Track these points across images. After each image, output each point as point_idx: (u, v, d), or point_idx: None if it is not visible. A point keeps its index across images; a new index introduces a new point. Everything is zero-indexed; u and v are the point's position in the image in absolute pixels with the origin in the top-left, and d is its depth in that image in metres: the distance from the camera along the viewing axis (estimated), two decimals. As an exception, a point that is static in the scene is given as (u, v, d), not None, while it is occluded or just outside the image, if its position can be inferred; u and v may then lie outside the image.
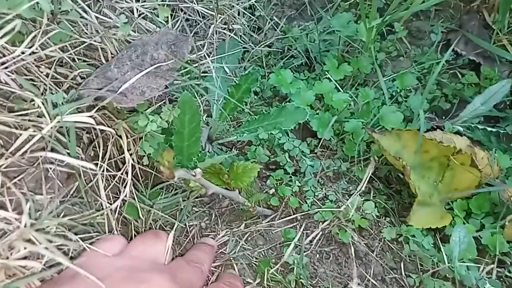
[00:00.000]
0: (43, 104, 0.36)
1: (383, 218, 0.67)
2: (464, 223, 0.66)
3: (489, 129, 0.81)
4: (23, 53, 0.38)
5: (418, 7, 0.79)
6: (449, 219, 0.66)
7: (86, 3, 0.46)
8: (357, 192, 0.66)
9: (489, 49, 0.87)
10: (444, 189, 0.69)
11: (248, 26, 0.87)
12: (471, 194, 0.68)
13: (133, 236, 0.50)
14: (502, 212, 0.63)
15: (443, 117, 0.85)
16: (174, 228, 0.51)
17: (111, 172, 0.45)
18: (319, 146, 0.76)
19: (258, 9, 0.92)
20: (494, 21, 0.91)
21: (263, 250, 0.62)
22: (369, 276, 0.61)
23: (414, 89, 0.85)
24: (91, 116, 0.38)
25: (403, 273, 0.61)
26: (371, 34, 0.80)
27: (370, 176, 0.71)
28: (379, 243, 0.64)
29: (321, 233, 0.64)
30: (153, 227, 0.54)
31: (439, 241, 0.65)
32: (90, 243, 0.43)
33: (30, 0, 0.37)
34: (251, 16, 0.92)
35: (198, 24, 0.63)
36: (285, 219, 0.66)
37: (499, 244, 0.62)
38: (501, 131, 0.80)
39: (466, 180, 0.67)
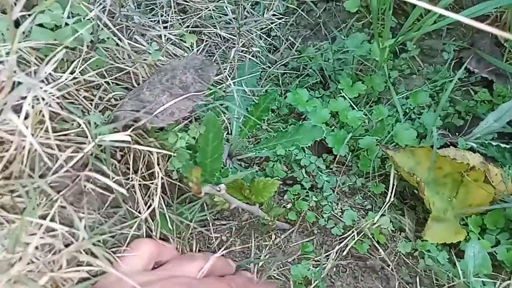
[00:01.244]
0: (85, 124, 0.40)
1: (398, 233, 0.69)
2: (479, 239, 0.67)
3: (503, 145, 0.82)
4: (66, 78, 0.42)
5: (430, 27, 0.81)
6: (463, 234, 0.67)
7: (119, 30, 0.50)
8: (382, 208, 0.67)
9: (501, 67, 0.89)
10: (458, 205, 0.70)
11: (265, 46, 0.91)
12: (486, 210, 0.69)
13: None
14: (517, 228, 0.64)
15: (456, 134, 0.86)
16: (218, 254, 0.52)
17: (142, 182, 0.48)
18: (335, 162, 0.78)
19: (274, 29, 0.96)
20: (506, 39, 0.93)
21: (281, 263, 0.64)
22: (385, 290, 0.62)
23: (427, 106, 0.87)
24: (128, 135, 0.41)
25: (418, 287, 0.63)
26: (384, 54, 0.82)
27: (385, 192, 0.73)
28: (395, 258, 0.66)
29: (338, 247, 0.66)
30: (180, 239, 0.57)
31: (454, 256, 0.66)
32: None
33: (74, 31, 0.41)
34: (267, 37, 0.96)
35: (221, 47, 0.67)
36: (302, 233, 0.69)
37: (515, 259, 0.63)
38: (515, 148, 0.81)
39: (480, 196, 0.69)
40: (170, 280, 0.44)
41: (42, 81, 0.39)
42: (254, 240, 0.66)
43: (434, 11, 0.80)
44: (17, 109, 0.36)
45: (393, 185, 0.71)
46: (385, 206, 0.67)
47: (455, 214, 0.70)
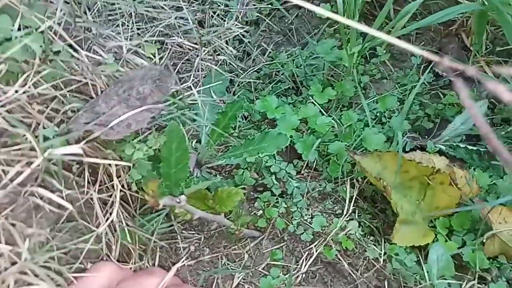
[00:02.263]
0: (34, 138, 0.39)
1: (368, 236, 0.70)
2: (446, 241, 0.68)
3: (470, 147, 0.84)
4: (16, 91, 0.41)
5: (399, 32, 0.83)
6: (432, 236, 0.68)
7: (77, 42, 0.50)
8: (344, 216, 0.68)
9: (467, 71, 0.91)
10: (426, 208, 0.71)
11: (237, 52, 0.91)
12: (453, 212, 0.70)
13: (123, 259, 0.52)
14: (481, 229, 0.66)
15: (426, 137, 0.88)
16: (175, 268, 0.51)
17: (100, 195, 0.47)
18: (306, 167, 0.78)
19: (247, 36, 0.96)
20: (472, 43, 0.96)
21: (251, 271, 0.64)
22: (354, 294, 0.62)
23: (397, 110, 0.88)
24: (80, 148, 0.40)
25: (387, 291, 0.63)
26: (352, 59, 0.83)
27: (356, 196, 0.73)
28: (364, 262, 0.66)
29: (307, 253, 0.66)
30: (144, 251, 0.56)
31: (423, 259, 0.66)
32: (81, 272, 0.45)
33: (24, 44, 0.40)
34: (240, 43, 0.96)
35: (185, 57, 0.67)
36: (273, 240, 0.69)
37: (479, 260, 0.64)
38: (482, 150, 0.83)
39: (446, 198, 0.70)
40: None
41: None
42: (224, 249, 0.65)
43: (399, 16, 0.82)
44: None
45: (360, 189, 0.71)
46: (348, 211, 0.68)
47: (423, 217, 0.71)
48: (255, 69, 0.94)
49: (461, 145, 0.84)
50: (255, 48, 0.98)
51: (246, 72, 0.92)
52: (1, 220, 0.38)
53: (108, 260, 0.48)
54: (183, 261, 0.56)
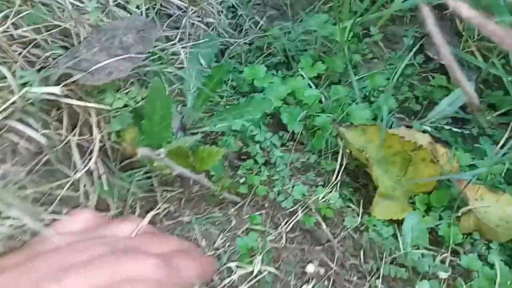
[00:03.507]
0: (12, 77, 0.39)
1: (347, 208, 0.70)
2: (423, 216, 0.69)
3: (455, 129, 0.85)
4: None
5: (389, 10, 0.83)
6: (410, 211, 0.69)
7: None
8: (330, 185, 0.68)
9: (458, 55, 0.91)
10: (406, 183, 0.72)
11: (228, 23, 0.91)
12: (432, 189, 0.71)
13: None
14: (457, 205, 0.67)
15: (413, 118, 0.89)
16: (150, 215, 0.51)
17: (78, 139, 0.47)
18: (290, 140, 0.79)
19: (240, 7, 0.95)
20: (464, 29, 0.96)
21: (230, 234, 0.64)
22: (330, 261, 0.63)
23: (386, 90, 0.89)
24: (59, 89, 0.40)
25: (362, 260, 0.64)
26: (344, 34, 0.83)
27: (338, 169, 0.74)
28: (341, 231, 0.67)
29: (286, 219, 0.67)
30: (123, 207, 0.57)
31: (400, 232, 0.67)
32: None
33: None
34: (232, 13, 0.95)
35: (173, 15, 0.66)
36: (253, 207, 0.69)
37: (454, 235, 0.65)
38: (466, 133, 0.84)
39: (427, 175, 0.70)
40: (95, 240, 0.43)
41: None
42: (204, 212, 0.66)
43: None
44: None
45: (344, 162, 0.72)
46: (333, 182, 0.69)
47: (403, 192, 0.72)
48: (246, 41, 0.94)
49: (446, 127, 0.85)
50: (248, 20, 0.98)
51: (237, 43, 0.91)
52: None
53: (85, 207, 0.48)
54: (158, 209, 0.56)
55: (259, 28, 0.97)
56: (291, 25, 0.96)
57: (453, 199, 0.71)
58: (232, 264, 0.55)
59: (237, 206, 0.69)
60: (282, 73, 0.88)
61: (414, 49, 0.96)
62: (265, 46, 0.94)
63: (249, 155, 0.74)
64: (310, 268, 0.57)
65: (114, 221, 0.48)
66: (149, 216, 0.50)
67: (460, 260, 0.62)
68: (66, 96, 0.43)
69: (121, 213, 0.58)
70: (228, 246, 0.63)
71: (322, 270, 0.59)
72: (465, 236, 0.67)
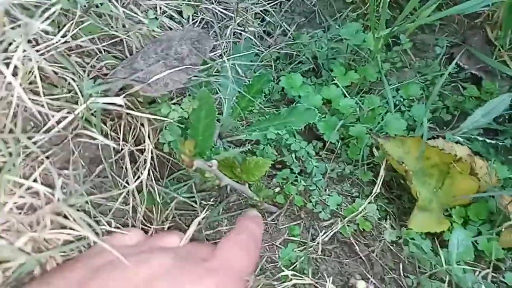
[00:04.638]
0: (77, 87, 0.39)
1: (384, 221, 0.70)
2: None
3: (488, 141, 0.84)
4: (57, 41, 0.40)
5: (424, 19, 0.82)
6: (447, 225, 0.69)
7: (114, -2, 0.49)
8: (371, 196, 0.68)
9: (490, 64, 0.90)
10: (443, 196, 0.71)
11: (259, 30, 0.90)
12: (470, 202, 0.70)
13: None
14: (498, 220, 0.66)
15: (444, 128, 0.88)
16: (195, 223, 0.51)
17: (133, 148, 0.46)
18: (324, 149, 0.78)
19: (269, 14, 0.95)
20: (497, 38, 0.95)
21: (268, 245, 0.64)
22: (369, 275, 0.63)
23: (417, 99, 0.88)
24: (121, 99, 0.40)
25: (401, 274, 0.63)
26: (378, 44, 0.83)
27: (373, 180, 0.73)
28: (380, 244, 0.66)
29: (324, 231, 0.66)
30: (165, 217, 0.56)
31: (438, 245, 0.67)
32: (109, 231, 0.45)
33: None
34: (262, 21, 0.95)
35: (217, 24, 0.66)
36: (289, 217, 0.69)
37: (495, 250, 0.64)
38: (500, 144, 0.83)
39: (465, 188, 0.70)
40: (154, 250, 0.44)
41: (31, 41, 0.38)
42: (241, 222, 0.65)
43: (428, 4, 0.81)
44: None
45: (382, 174, 0.71)
46: (374, 193, 0.68)
47: (439, 205, 0.71)
48: (276, 48, 0.94)
49: (479, 138, 0.84)
50: (277, 28, 0.97)
51: (267, 51, 0.91)
52: (41, 162, 0.38)
53: (133, 219, 0.48)
54: (203, 218, 0.56)
55: (288, 35, 0.97)
56: (320, 33, 0.95)
57: (491, 212, 0.70)
58: (289, 272, 0.54)
59: (274, 216, 0.68)
60: (311, 80, 0.88)
61: (444, 58, 0.96)
62: (294, 54, 0.94)
63: (283, 164, 0.74)
64: (361, 285, 0.56)
65: (161, 235, 0.49)
66: (195, 222, 0.49)
67: (503, 277, 0.61)
68: (127, 107, 0.43)
69: (162, 222, 0.58)
70: (268, 256, 0.63)
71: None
72: (505, 251, 0.66)
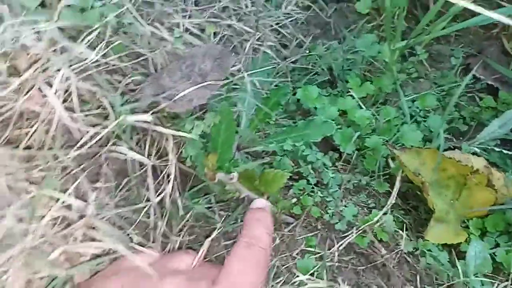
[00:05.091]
0: (110, 104, 0.41)
1: (400, 232, 0.70)
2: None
3: (505, 152, 0.84)
4: (91, 60, 0.43)
5: (440, 32, 0.83)
6: (464, 236, 0.69)
7: (140, 16, 0.51)
8: (387, 206, 0.68)
9: (507, 75, 0.90)
10: (460, 207, 0.72)
11: (276, 41, 0.92)
12: (487, 213, 0.70)
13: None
14: (517, 232, 0.66)
15: (460, 139, 0.88)
16: (207, 241, 0.52)
17: (156, 163, 0.48)
18: (340, 160, 0.79)
19: (285, 27, 0.96)
20: (513, 48, 0.95)
21: (285, 256, 0.65)
22: (386, 286, 0.63)
23: (433, 110, 0.88)
24: (150, 116, 0.42)
25: (418, 285, 0.64)
26: (394, 55, 0.84)
27: (389, 191, 0.74)
28: (396, 256, 0.67)
29: (340, 242, 0.67)
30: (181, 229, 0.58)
31: (455, 257, 0.67)
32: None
33: (101, 13, 0.42)
34: (277, 34, 0.96)
35: (236, 40, 0.68)
36: (306, 228, 0.70)
37: (513, 262, 0.64)
38: (517, 155, 0.83)
39: (482, 199, 0.70)
40: (166, 274, 0.44)
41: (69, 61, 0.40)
42: (259, 232, 0.66)
43: (444, 17, 0.81)
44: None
45: (398, 185, 0.71)
46: (389, 204, 0.68)
47: (456, 216, 0.71)
48: (292, 60, 0.95)
49: (496, 149, 0.84)
50: (293, 39, 0.99)
51: (283, 63, 0.93)
52: (75, 177, 0.40)
53: (153, 233, 0.50)
54: (216, 235, 0.57)
55: (303, 47, 0.98)
56: (336, 45, 0.96)
57: (509, 224, 0.70)
58: (304, 277, 0.55)
59: (290, 227, 0.69)
60: (327, 91, 0.89)
61: (460, 69, 0.96)
62: (309, 65, 0.95)
63: (300, 175, 0.75)
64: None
65: (175, 254, 0.51)
66: (207, 242, 0.51)
67: (523, 289, 0.61)
68: (155, 124, 0.45)
69: (180, 231, 0.59)
70: (285, 267, 0.64)
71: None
72: (524, 263, 0.65)
